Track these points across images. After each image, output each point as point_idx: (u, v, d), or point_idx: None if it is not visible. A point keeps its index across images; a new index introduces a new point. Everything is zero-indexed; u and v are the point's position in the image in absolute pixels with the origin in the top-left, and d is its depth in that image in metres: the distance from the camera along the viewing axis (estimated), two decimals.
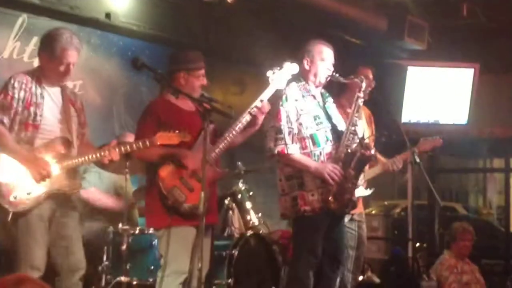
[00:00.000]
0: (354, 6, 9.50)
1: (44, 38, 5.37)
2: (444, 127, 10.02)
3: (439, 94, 10.07)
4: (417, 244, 10.85)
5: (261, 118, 5.52)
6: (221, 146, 5.39)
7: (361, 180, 6.38)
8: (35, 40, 7.82)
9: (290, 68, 5.67)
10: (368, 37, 10.18)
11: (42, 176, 5.10)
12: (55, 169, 5.19)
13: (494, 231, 15.24)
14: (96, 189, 7.04)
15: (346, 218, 6.42)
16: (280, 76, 5.62)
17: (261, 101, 5.50)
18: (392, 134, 6.92)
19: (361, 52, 9.99)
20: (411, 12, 10.14)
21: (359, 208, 6.75)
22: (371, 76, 6.50)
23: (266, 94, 5.54)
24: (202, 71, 5.56)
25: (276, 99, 5.69)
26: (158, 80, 5.29)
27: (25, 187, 5.11)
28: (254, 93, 5.59)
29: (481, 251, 9.88)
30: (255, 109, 5.47)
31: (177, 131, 5.19)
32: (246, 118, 5.45)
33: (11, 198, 5.07)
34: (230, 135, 5.41)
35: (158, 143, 5.18)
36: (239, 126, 5.42)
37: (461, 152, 11.87)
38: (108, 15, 8.56)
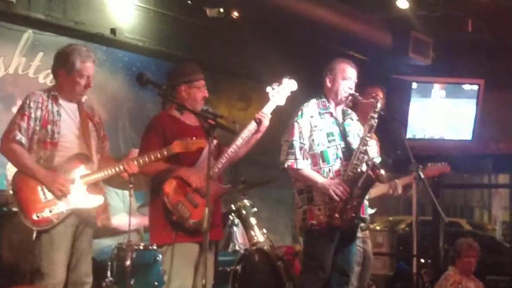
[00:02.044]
0: (358, 22, 9.53)
1: (60, 55, 5.38)
2: (449, 143, 10.03)
3: (444, 110, 10.07)
4: (422, 260, 10.82)
5: (263, 127, 5.53)
6: (223, 162, 5.40)
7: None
8: (40, 56, 7.86)
9: (289, 84, 5.70)
10: (372, 52, 10.20)
11: (62, 193, 5.13)
12: (76, 185, 5.21)
13: (499, 247, 15.18)
14: (124, 213, 7.01)
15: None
16: (279, 92, 5.64)
17: (262, 113, 5.51)
18: (398, 150, 6.91)
19: (365, 68, 10.00)
20: (415, 28, 10.16)
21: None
22: (381, 95, 6.51)
23: (267, 110, 5.57)
24: (202, 82, 5.57)
25: (293, 114, 5.79)
26: (163, 96, 5.30)
27: (46, 205, 5.13)
28: (259, 108, 5.60)
29: (486, 267, 9.85)
30: (256, 120, 5.50)
31: (194, 138, 5.18)
32: (247, 133, 5.46)
33: (34, 217, 5.09)
34: (232, 150, 5.42)
35: (176, 151, 5.18)
36: (240, 141, 5.43)
37: (466, 168, 11.84)
38: (113, 31, 8.61)
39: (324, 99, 5.90)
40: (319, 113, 5.82)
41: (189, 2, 9.23)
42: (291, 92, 5.71)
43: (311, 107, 5.83)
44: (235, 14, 9.23)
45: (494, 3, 9.75)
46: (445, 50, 10.83)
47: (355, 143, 5.79)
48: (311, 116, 5.78)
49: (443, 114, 10.09)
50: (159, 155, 5.20)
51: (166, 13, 9.21)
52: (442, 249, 10.59)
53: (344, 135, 5.82)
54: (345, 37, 9.47)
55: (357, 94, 5.89)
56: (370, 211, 6.71)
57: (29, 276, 6.20)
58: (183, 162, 5.33)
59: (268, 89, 5.64)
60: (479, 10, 10.03)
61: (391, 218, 18.24)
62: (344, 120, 5.92)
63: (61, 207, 5.16)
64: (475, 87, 10.06)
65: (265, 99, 5.69)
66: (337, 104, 5.92)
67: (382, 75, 9.68)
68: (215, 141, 5.38)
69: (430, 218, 11.17)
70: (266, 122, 5.53)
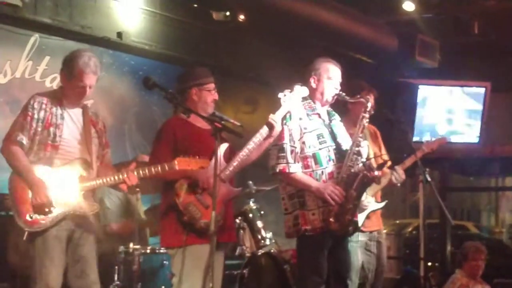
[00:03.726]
0: (365, 25, 9.53)
1: (65, 59, 5.37)
2: (456, 145, 10.01)
3: (450, 112, 10.06)
4: (429, 263, 10.80)
5: (274, 131, 5.50)
6: (235, 165, 5.39)
7: (367, 197, 6.36)
8: (47, 60, 7.88)
9: (301, 90, 5.66)
10: (379, 56, 10.19)
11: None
12: (73, 189, 5.19)
13: (506, 250, 15.17)
14: (123, 218, 7.01)
15: (363, 237, 6.39)
16: (291, 98, 5.61)
17: (271, 118, 5.48)
18: (404, 153, 6.88)
19: (372, 71, 10.00)
20: (421, 31, 10.15)
21: (378, 225, 6.68)
22: (372, 99, 6.38)
23: (278, 115, 5.54)
24: (213, 85, 5.60)
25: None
26: (169, 99, 5.28)
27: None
28: (266, 111, 5.58)
29: (493, 270, 9.82)
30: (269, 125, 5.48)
31: (196, 157, 5.18)
32: (259, 137, 5.44)
33: (27, 218, 5.06)
34: (243, 153, 5.41)
35: (177, 168, 5.18)
36: (252, 145, 5.42)
37: (473, 170, 11.82)
38: (119, 35, 8.63)
39: (309, 100, 5.75)
40: (307, 115, 5.69)
41: (195, 5, 9.25)
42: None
43: (299, 108, 5.68)
44: (242, 17, 9.24)
45: (500, 6, 9.75)
46: (451, 53, 10.82)
47: (345, 144, 5.67)
48: (300, 118, 5.64)
49: (450, 117, 10.07)
50: (160, 169, 5.20)
51: (172, 16, 9.23)
52: (450, 252, 10.58)
53: (333, 136, 5.69)
54: (352, 40, 9.46)
55: (344, 93, 5.77)
56: (381, 204, 6.66)
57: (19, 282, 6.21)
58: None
59: (280, 95, 5.61)
60: (485, 13, 10.02)
61: (398, 222, 18.24)
62: (330, 121, 5.82)
63: (56, 210, 5.11)
64: (482, 90, 10.04)
65: (271, 102, 5.68)
66: (323, 105, 5.79)
67: (388, 78, 9.68)
68: (227, 144, 5.42)
69: (437, 221, 11.16)
70: (278, 128, 5.50)
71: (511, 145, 10.55)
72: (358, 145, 5.60)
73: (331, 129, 5.73)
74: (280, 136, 5.58)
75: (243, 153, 5.40)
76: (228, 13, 9.19)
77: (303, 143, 5.58)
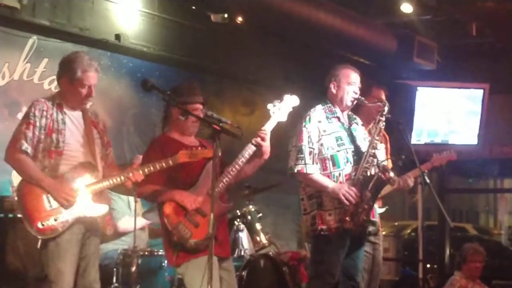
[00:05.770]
0: (363, 27, 9.53)
1: (63, 62, 5.36)
2: (454, 147, 10.00)
3: (449, 114, 10.05)
4: (428, 265, 10.80)
5: (265, 148, 5.48)
6: (224, 181, 5.35)
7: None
8: (45, 62, 7.86)
9: (290, 100, 5.66)
10: (377, 57, 10.20)
11: (68, 202, 5.12)
12: (81, 194, 5.20)
13: (504, 252, 15.18)
14: (129, 216, 7.00)
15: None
16: (281, 108, 5.61)
17: (263, 130, 5.46)
18: (403, 155, 6.89)
19: (370, 73, 9.99)
20: (420, 32, 10.16)
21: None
22: (383, 97, 6.50)
23: (268, 126, 5.52)
24: (198, 105, 5.50)
25: (300, 119, 5.77)
26: (167, 101, 5.28)
27: (51, 213, 5.10)
28: (264, 113, 5.58)
29: (492, 272, 9.83)
30: (257, 139, 5.43)
31: (199, 148, 5.19)
32: (249, 151, 5.40)
33: (39, 225, 5.06)
34: (234, 169, 5.37)
35: (181, 161, 5.17)
36: (242, 160, 5.38)
37: (472, 172, 11.83)
38: (118, 37, 8.62)
39: (329, 105, 5.89)
40: (327, 117, 5.80)
41: (193, 7, 9.24)
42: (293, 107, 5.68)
43: (318, 112, 5.82)
44: (239, 19, 9.23)
45: (498, 7, 9.75)
46: (449, 55, 10.83)
47: (363, 147, 5.79)
48: (319, 121, 5.76)
49: (448, 118, 10.07)
50: (164, 164, 5.18)
51: (170, 18, 9.22)
52: (448, 254, 10.58)
53: (352, 139, 5.81)
54: (350, 42, 9.47)
55: (363, 98, 5.89)
56: (380, 210, 6.68)
57: (33, 282, 6.22)
58: (184, 182, 5.35)
59: (269, 106, 5.58)
60: (483, 14, 10.03)
61: (396, 223, 18.22)
62: (350, 125, 5.92)
63: (66, 215, 5.13)
64: (480, 92, 10.04)
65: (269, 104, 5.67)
66: (343, 110, 5.91)
67: (387, 80, 9.68)
68: (219, 151, 5.39)
69: (435, 223, 11.17)
70: (267, 143, 5.45)
71: (509, 147, 10.55)
72: (375, 148, 5.75)
73: (351, 132, 5.86)
74: (299, 137, 5.72)
75: (233, 168, 5.36)
76: (226, 15, 9.18)
77: (321, 145, 5.72)
